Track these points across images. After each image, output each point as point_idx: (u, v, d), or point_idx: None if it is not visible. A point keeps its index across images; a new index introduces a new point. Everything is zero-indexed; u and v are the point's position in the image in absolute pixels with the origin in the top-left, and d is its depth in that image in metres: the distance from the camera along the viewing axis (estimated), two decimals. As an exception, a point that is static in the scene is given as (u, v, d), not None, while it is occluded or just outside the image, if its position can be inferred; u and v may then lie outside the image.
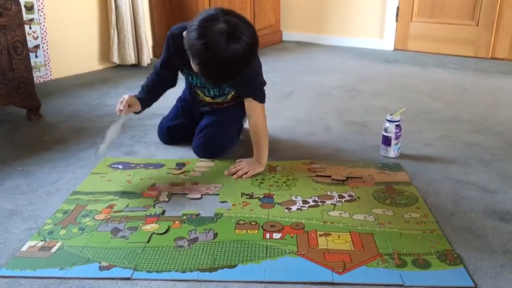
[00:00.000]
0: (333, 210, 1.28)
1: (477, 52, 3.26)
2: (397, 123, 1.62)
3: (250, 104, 1.51)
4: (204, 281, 1.00)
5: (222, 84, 1.47)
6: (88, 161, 1.62)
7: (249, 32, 1.25)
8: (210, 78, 1.33)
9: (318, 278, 1.00)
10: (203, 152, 1.62)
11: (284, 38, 3.90)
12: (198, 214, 1.26)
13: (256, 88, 1.51)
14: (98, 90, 2.53)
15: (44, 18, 2.62)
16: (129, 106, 1.50)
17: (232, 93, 1.62)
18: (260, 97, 1.51)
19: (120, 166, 1.57)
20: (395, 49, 3.56)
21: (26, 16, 2.48)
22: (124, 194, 1.38)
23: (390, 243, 1.12)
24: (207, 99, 1.63)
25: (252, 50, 1.27)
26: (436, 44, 3.39)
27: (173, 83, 1.64)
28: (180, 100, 1.77)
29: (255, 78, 1.51)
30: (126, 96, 1.50)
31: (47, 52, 2.67)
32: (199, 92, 1.63)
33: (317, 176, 1.49)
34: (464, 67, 3.00)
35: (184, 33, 1.31)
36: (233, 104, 1.65)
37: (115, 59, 2.96)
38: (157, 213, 1.27)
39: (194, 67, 1.30)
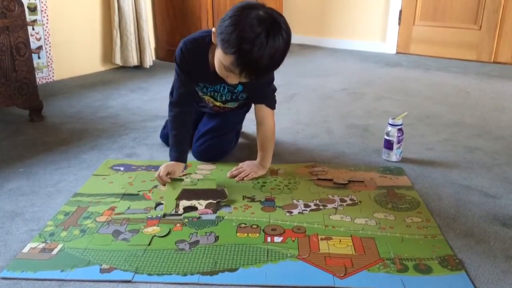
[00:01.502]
0: (335, 214, 1.28)
1: (479, 56, 3.26)
2: (399, 127, 1.61)
3: (261, 110, 1.48)
4: (205, 284, 1.00)
5: (255, 78, 1.26)
6: (90, 162, 1.62)
7: (286, 22, 1.20)
8: (243, 70, 1.20)
9: (319, 282, 1.00)
10: (203, 158, 1.61)
11: (286, 41, 3.90)
12: (199, 217, 1.26)
13: (269, 94, 1.50)
14: (101, 91, 2.53)
15: (47, 20, 2.63)
16: (168, 174, 1.43)
17: (244, 99, 1.59)
18: (272, 103, 1.50)
19: (122, 168, 1.57)
20: (397, 53, 3.56)
21: (29, 17, 2.49)
22: (125, 196, 1.38)
23: (391, 248, 1.12)
24: (218, 103, 1.59)
25: (290, 43, 1.21)
26: (439, 48, 3.39)
27: (194, 106, 1.56)
28: None
29: (270, 84, 1.50)
30: (161, 171, 1.43)
31: (49, 53, 2.68)
32: (208, 98, 1.58)
33: (318, 179, 1.49)
34: (467, 71, 3.00)
35: (213, 29, 1.26)
36: (235, 107, 1.64)
37: (118, 61, 2.97)
38: (159, 215, 1.27)
39: (226, 59, 1.19)
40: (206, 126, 1.62)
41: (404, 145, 1.65)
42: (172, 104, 1.50)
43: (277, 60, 1.21)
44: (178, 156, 1.48)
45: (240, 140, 1.81)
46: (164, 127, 1.78)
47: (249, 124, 1.83)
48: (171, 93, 1.52)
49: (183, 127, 1.51)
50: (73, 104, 2.31)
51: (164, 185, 1.42)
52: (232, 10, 1.18)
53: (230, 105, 1.59)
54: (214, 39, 1.25)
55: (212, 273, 1.03)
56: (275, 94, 1.53)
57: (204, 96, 1.57)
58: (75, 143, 1.80)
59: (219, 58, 1.23)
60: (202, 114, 1.69)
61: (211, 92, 1.54)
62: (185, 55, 1.42)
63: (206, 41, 1.38)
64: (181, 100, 1.48)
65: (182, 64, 1.44)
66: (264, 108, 1.48)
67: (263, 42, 1.13)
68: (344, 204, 1.33)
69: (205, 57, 1.39)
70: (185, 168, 1.53)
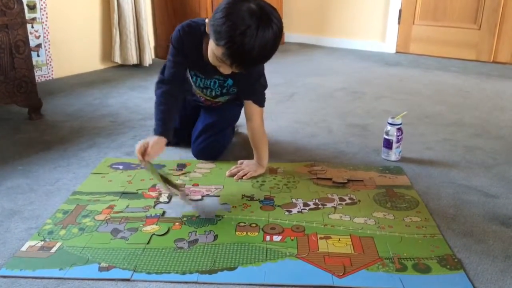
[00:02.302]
0: (334, 213, 1.28)
1: (479, 56, 3.26)
2: (398, 126, 1.61)
3: (249, 107, 1.49)
4: (204, 283, 1.00)
5: (245, 69, 1.28)
6: (89, 161, 1.62)
7: (277, 15, 1.20)
8: (234, 61, 1.21)
9: (318, 281, 1.00)
10: (204, 157, 1.62)
11: (286, 40, 3.91)
12: (198, 216, 1.26)
13: (257, 91, 1.50)
14: (100, 89, 2.53)
15: (47, 17, 2.63)
16: (146, 150, 1.30)
17: (234, 94, 1.61)
18: (260, 101, 1.50)
19: (121, 167, 1.57)
20: (397, 52, 3.56)
21: (28, 15, 2.49)
22: (124, 194, 1.38)
23: (390, 247, 1.12)
24: (208, 97, 1.60)
25: (281, 36, 1.22)
26: (438, 47, 3.39)
27: (184, 89, 1.54)
28: None
29: (258, 79, 1.50)
30: (138, 144, 1.31)
31: (49, 51, 2.67)
32: (199, 92, 1.59)
33: (318, 178, 1.49)
34: (466, 71, 3.00)
35: (206, 20, 1.27)
36: (225, 101, 1.64)
37: (117, 59, 2.97)
38: (157, 214, 1.27)
39: (218, 50, 1.20)
40: (203, 123, 1.62)
41: (404, 145, 1.65)
42: (162, 82, 1.47)
43: (267, 51, 1.21)
44: (163, 130, 1.37)
45: (240, 139, 1.81)
46: None
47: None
48: (162, 72, 1.50)
49: (172, 104, 1.44)
50: (72, 102, 2.31)
51: (141, 161, 1.30)
52: (225, 2, 1.19)
53: (221, 99, 1.61)
54: (207, 29, 1.27)
55: (211, 271, 1.03)
56: (265, 92, 1.52)
57: (197, 89, 1.58)
58: (74, 141, 1.79)
59: (212, 48, 1.24)
60: (197, 109, 1.69)
61: (200, 89, 1.55)
62: (183, 37, 1.43)
63: (201, 30, 1.38)
64: (173, 79, 1.46)
65: (179, 46, 1.44)
66: (251, 105, 1.48)
67: (254, 33, 1.15)
68: (343, 203, 1.33)
69: (200, 45, 1.40)
70: (184, 166, 1.52)
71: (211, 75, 1.50)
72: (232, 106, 1.66)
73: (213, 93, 1.57)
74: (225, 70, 1.29)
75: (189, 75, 1.55)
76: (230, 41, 1.16)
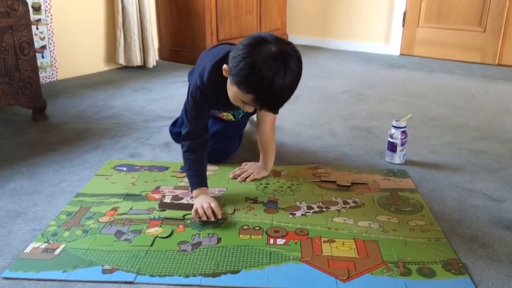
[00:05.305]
0: (338, 216, 1.27)
1: (484, 59, 3.24)
2: (403, 129, 1.61)
3: (263, 111, 1.48)
4: (207, 286, 1.00)
5: (276, 109, 1.28)
6: (93, 162, 1.62)
7: (294, 47, 1.18)
8: (265, 105, 1.21)
9: (322, 285, 1.00)
10: (210, 160, 1.60)
11: (290, 42, 3.90)
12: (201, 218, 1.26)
13: None
14: (104, 91, 2.53)
15: (51, 19, 2.63)
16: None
17: None
18: None
19: (125, 168, 1.57)
20: (401, 54, 3.55)
21: (33, 16, 2.49)
22: (128, 196, 1.38)
23: (394, 251, 1.11)
24: (230, 117, 1.59)
25: (301, 67, 1.20)
26: (443, 50, 3.38)
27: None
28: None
29: None
30: (205, 206, 1.26)
31: (53, 53, 2.68)
32: (226, 114, 1.58)
33: (321, 181, 1.48)
34: (471, 73, 2.99)
35: (225, 65, 1.21)
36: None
37: (121, 61, 2.97)
38: (161, 216, 1.27)
39: (246, 96, 1.17)
40: (213, 129, 1.60)
41: (408, 148, 1.64)
42: (187, 138, 1.36)
43: (294, 89, 1.20)
44: (203, 181, 1.35)
45: (244, 141, 1.80)
46: (172, 127, 1.77)
47: (252, 126, 1.82)
48: (186, 125, 1.37)
49: (203, 154, 1.39)
50: (76, 103, 2.31)
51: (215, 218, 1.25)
52: (242, 48, 1.14)
53: (241, 117, 1.61)
54: (226, 74, 1.22)
55: (214, 275, 1.03)
56: None
57: (223, 113, 1.57)
58: (78, 143, 1.80)
59: (236, 94, 1.19)
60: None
61: (228, 115, 1.57)
62: (204, 94, 1.32)
63: (222, 75, 1.26)
64: (200, 130, 1.37)
65: (200, 99, 1.33)
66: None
67: (282, 78, 1.12)
68: (347, 206, 1.33)
69: (225, 91, 1.30)
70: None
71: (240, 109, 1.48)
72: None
73: (240, 116, 1.59)
74: (249, 109, 1.25)
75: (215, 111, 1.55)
76: (261, 91, 1.14)
